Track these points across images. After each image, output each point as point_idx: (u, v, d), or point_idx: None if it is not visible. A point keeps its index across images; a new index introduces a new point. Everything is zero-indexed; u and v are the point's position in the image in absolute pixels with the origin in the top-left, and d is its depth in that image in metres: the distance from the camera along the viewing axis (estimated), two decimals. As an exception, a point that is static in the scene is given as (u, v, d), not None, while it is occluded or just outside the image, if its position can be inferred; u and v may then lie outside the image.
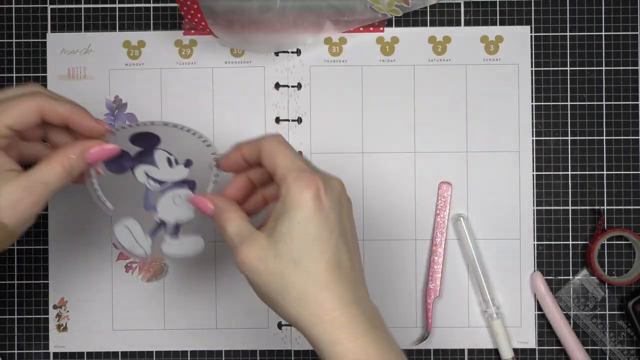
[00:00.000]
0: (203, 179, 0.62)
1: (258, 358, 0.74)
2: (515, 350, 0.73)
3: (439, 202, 0.73)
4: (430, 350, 0.73)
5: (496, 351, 0.73)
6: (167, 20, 0.74)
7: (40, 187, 0.55)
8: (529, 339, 0.73)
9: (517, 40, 0.74)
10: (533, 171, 0.73)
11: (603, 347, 0.73)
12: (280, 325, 0.73)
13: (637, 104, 0.73)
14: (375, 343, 0.52)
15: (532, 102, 0.73)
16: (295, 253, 0.52)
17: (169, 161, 0.63)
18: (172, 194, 0.63)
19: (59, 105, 0.57)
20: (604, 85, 0.74)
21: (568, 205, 0.73)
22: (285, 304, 0.53)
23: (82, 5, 0.74)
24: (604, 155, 0.73)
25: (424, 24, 0.74)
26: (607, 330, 0.73)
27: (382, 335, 0.53)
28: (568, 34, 0.74)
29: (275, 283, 0.52)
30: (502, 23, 0.74)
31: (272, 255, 0.52)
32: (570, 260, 0.73)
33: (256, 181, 0.60)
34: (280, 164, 0.54)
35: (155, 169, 0.63)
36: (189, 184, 0.63)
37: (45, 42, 0.74)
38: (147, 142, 0.63)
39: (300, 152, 0.65)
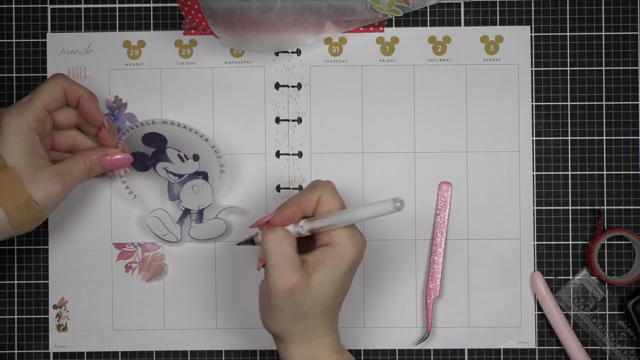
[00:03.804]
0: (211, 169, 0.71)
1: (258, 358, 0.74)
2: (515, 351, 0.73)
3: (439, 202, 0.73)
4: (430, 350, 0.73)
5: (496, 351, 0.73)
6: (167, 20, 0.74)
7: (67, 177, 0.65)
8: (529, 339, 0.73)
9: (517, 40, 0.74)
10: (533, 171, 0.73)
11: (603, 347, 0.73)
12: (280, 325, 0.73)
13: (637, 104, 0.73)
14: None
15: (532, 102, 0.73)
16: (328, 293, 0.60)
17: (180, 157, 0.71)
18: (190, 184, 0.71)
19: (78, 87, 0.66)
20: (604, 85, 0.74)
21: (568, 205, 0.73)
22: (289, 324, 0.60)
23: (82, 5, 0.74)
24: (604, 155, 0.73)
25: (424, 24, 0.74)
26: (607, 330, 0.73)
27: (346, 355, 0.64)
28: (568, 34, 0.74)
29: (297, 309, 0.59)
30: (502, 23, 0.74)
31: (309, 291, 0.59)
32: (570, 260, 0.73)
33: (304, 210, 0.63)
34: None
35: (171, 164, 0.71)
36: (202, 174, 0.71)
37: (45, 42, 0.74)
38: (157, 142, 0.70)
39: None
